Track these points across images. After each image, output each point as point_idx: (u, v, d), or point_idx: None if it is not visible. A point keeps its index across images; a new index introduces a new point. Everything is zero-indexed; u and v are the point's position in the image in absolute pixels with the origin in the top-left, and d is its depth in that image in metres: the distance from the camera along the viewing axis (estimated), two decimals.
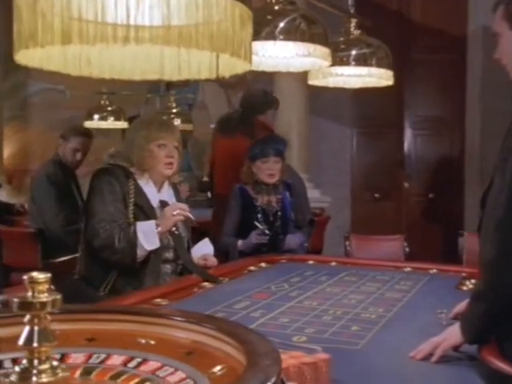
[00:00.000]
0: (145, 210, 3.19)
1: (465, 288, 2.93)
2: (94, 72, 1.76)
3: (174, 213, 3.11)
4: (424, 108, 7.69)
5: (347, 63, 3.53)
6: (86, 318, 1.64)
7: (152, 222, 3.11)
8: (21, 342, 1.14)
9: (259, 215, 4.12)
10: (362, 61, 3.55)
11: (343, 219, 7.61)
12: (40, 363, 1.15)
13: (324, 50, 2.89)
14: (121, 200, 3.15)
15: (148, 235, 3.07)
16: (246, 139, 4.59)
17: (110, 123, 7.60)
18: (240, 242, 4.08)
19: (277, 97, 5.39)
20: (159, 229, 3.09)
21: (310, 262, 3.74)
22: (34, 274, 1.15)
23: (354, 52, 3.54)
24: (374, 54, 3.54)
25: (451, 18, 7.33)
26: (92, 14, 1.41)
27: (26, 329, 1.15)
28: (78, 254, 3.38)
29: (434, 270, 3.42)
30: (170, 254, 3.28)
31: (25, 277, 1.14)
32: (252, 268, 3.49)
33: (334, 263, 3.69)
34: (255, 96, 5.32)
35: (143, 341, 1.56)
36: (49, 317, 1.16)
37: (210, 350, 1.46)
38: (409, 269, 3.48)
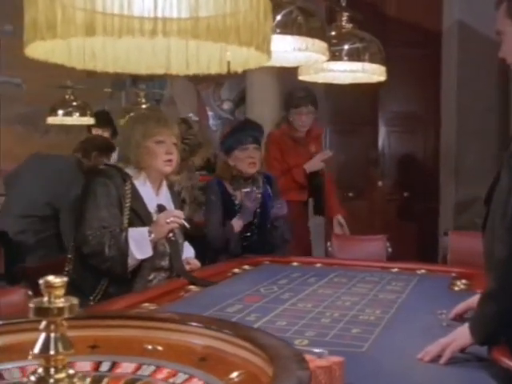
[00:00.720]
0: (141, 217, 3.07)
1: (457, 288, 2.91)
2: (98, 65, 1.68)
3: (168, 220, 3.00)
4: (398, 104, 7.61)
5: (340, 58, 3.43)
6: (87, 325, 1.57)
7: (145, 230, 2.99)
8: (36, 349, 1.08)
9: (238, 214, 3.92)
10: (355, 56, 3.45)
11: (317, 219, 7.53)
12: (57, 372, 1.09)
13: (322, 45, 2.82)
14: (116, 204, 3.02)
15: (140, 243, 2.94)
16: None
17: (76, 119, 6.95)
18: (235, 219, 3.87)
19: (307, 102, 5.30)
20: (152, 236, 2.97)
21: (295, 263, 3.67)
22: (50, 278, 1.08)
23: (346, 47, 3.44)
24: (366, 48, 3.44)
25: (426, 12, 7.26)
26: (117, 6, 1.33)
27: (42, 336, 1.09)
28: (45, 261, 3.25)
29: (423, 271, 3.39)
30: (165, 262, 3.16)
31: (40, 281, 1.08)
32: (236, 270, 3.42)
33: (319, 264, 3.64)
34: (287, 94, 5.41)
35: (150, 347, 1.50)
36: (65, 323, 1.10)
37: (225, 356, 1.40)
38: (396, 269, 3.45)
